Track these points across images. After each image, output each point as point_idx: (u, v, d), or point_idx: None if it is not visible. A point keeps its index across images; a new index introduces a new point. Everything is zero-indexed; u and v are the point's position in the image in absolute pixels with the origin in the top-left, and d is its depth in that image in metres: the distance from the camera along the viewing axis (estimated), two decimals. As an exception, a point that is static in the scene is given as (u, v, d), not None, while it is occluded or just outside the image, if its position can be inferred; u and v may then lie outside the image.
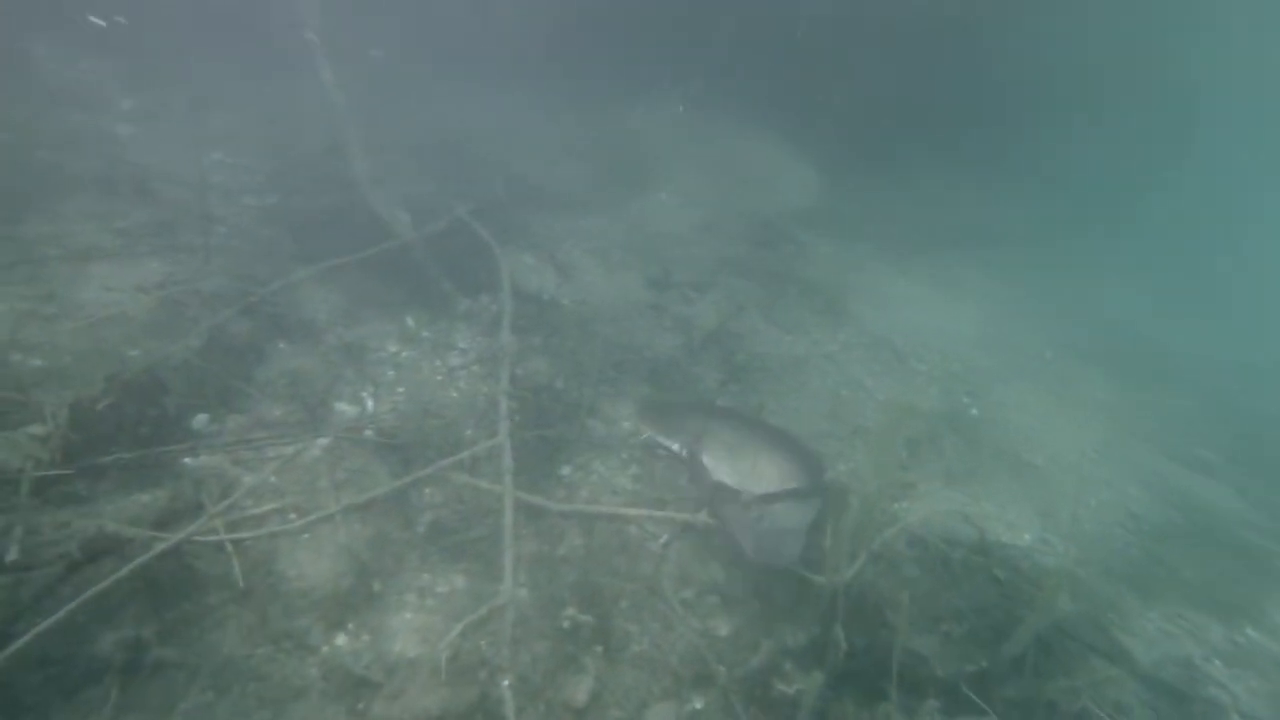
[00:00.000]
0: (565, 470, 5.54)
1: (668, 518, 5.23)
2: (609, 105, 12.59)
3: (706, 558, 5.19)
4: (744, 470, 5.44)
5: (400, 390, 5.88)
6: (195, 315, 5.81)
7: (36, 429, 4.69)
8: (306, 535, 4.63)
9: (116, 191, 7.33)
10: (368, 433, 5.38)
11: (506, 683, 4.01)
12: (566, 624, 4.48)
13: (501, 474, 5.01)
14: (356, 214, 7.84)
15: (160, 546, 4.12)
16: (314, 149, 9.27)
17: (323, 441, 5.21)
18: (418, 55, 12.21)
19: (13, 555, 3.78)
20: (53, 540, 3.99)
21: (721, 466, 5.54)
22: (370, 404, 5.67)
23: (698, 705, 4.21)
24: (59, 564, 3.99)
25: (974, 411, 7.88)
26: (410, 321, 6.78)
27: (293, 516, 4.73)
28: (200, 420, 5.12)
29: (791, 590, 4.96)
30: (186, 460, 4.82)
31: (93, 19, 10.54)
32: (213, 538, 4.33)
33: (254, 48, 11.82)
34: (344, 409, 5.57)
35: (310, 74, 11.06)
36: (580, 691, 4.12)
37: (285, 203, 7.93)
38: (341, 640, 4.15)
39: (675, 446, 5.73)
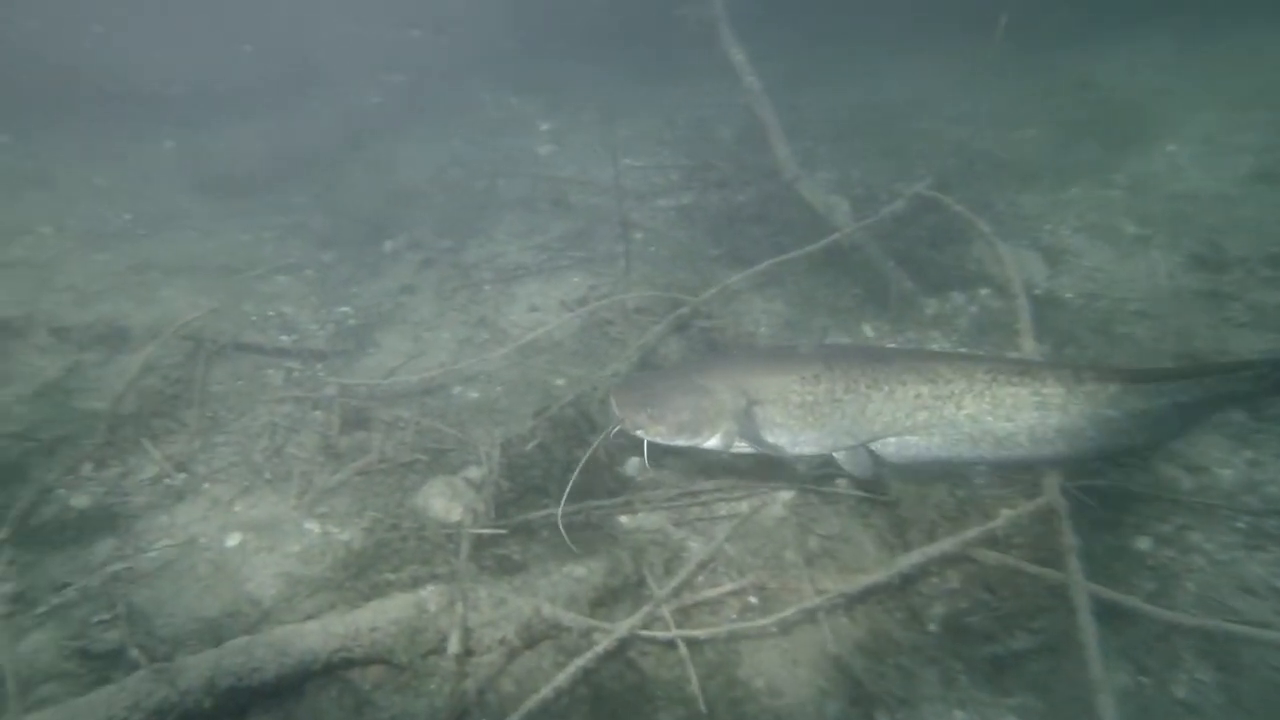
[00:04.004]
0: (1143, 544, 3.59)
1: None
2: (1061, 49, 9.99)
3: None
4: (848, 422, 3.55)
5: (872, 423, 4.40)
6: (621, 334, 4.98)
7: (473, 472, 4.10)
8: (775, 630, 3.35)
9: (537, 208, 7.05)
10: (840, 482, 3.99)
11: None
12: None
13: (1062, 553, 3.25)
14: (784, 206, 6.63)
15: (603, 643, 3.10)
16: (726, 141, 8.38)
17: (786, 495, 3.94)
18: (829, 26, 10.92)
19: (454, 648, 3.02)
20: (491, 621, 3.19)
21: (808, 436, 3.58)
22: (837, 443, 4.27)
23: None
24: (497, 651, 3.18)
25: None
26: (869, 330, 5.32)
27: (753, 600, 3.50)
28: (633, 465, 4.16)
29: None
30: (622, 519, 3.85)
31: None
32: (663, 634, 3.23)
33: (654, 56, 11.56)
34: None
35: (711, 73, 10.44)
36: None
37: (701, 200, 7.04)
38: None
39: (715, 442, 3.58)
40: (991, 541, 3.48)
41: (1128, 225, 6.37)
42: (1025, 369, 3.52)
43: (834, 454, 3.72)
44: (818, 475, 4.00)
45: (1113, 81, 9.11)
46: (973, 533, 3.38)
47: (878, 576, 3.27)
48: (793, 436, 3.63)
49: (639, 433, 3.61)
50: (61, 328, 5.47)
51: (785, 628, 3.35)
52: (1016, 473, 3.90)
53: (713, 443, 3.59)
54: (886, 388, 3.54)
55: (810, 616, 3.32)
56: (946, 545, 3.35)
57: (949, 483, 3.87)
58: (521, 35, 12.83)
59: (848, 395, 3.55)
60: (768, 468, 4.09)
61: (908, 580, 3.40)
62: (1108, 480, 3.75)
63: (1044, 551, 3.41)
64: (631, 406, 3.61)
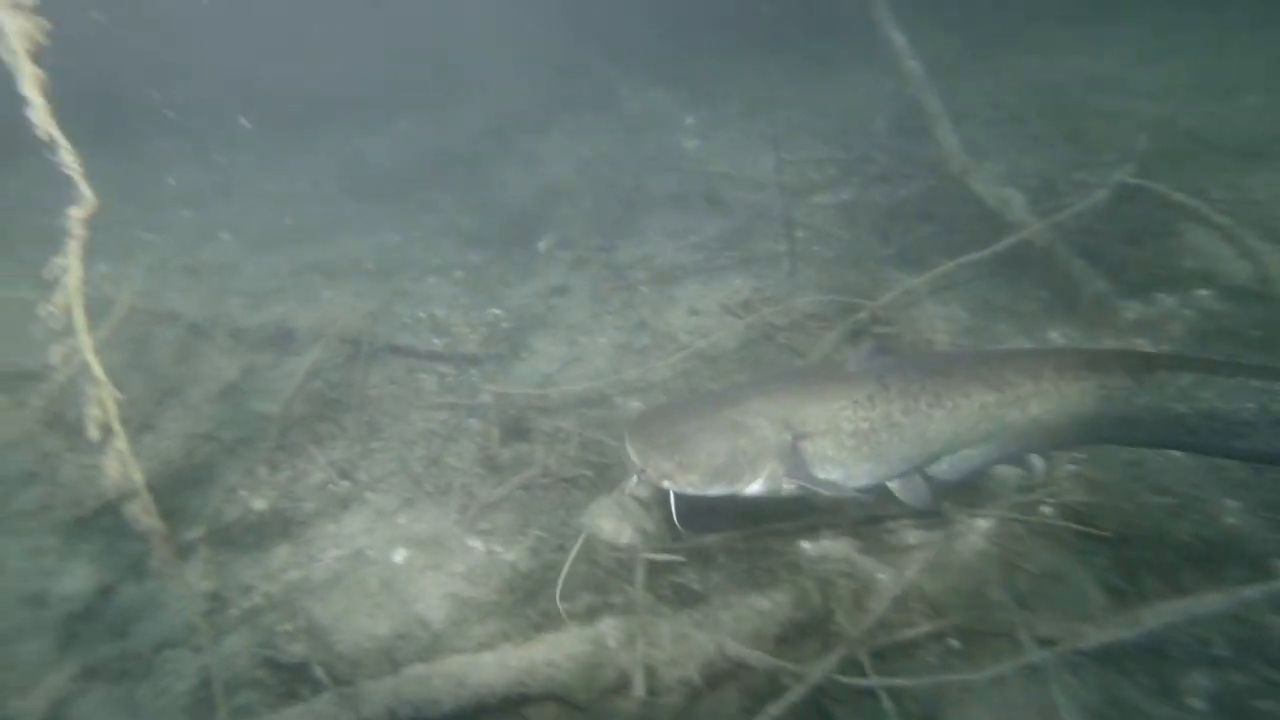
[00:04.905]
0: None
1: None
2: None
3: None
4: (907, 448, 3.13)
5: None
6: (789, 340, 4.66)
7: (642, 490, 3.88)
8: (983, 683, 2.96)
9: (690, 205, 6.82)
10: (1044, 509, 3.55)
11: None
12: None
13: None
14: (952, 201, 6.13)
15: (798, 691, 2.82)
16: (882, 132, 7.88)
17: (983, 524, 3.52)
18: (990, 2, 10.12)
19: (639, 690, 2.83)
20: (673, 659, 2.97)
21: (864, 469, 3.15)
22: (1039, 464, 3.81)
23: None
24: (679, 692, 2.96)
25: None
26: (1056, 337, 4.79)
27: (954, 644, 3.13)
28: (811, 484, 3.83)
29: None
30: (804, 544, 3.55)
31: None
32: (864, 682, 2.91)
33: (797, 46, 11.10)
34: (1002, 471, 3.81)
35: (857, 61, 9.89)
36: None
37: (862, 196, 6.62)
38: None
39: (758, 488, 3.09)
40: (1273, 601, 2.93)
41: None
42: (1093, 360, 3.08)
43: (887, 483, 3.29)
44: (1014, 501, 3.57)
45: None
46: (1252, 590, 2.85)
47: (1122, 632, 2.81)
48: (847, 471, 3.18)
49: (665, 484, 3.10)
50: (238, 329, 5.70)
51: (997, 682, 2.96)
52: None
53: (755, 488, 3.12)
54: (950, 403, 3.10)
55: (1031, 672, 2.91)
56: (1217, 602, 2.83)
57: (1191, 519, 3.36)
58: (658, 27, 12.63)
59: (906, 417, 3.10)
60: (960, 492, 3.69)
61: (1155, 639, 2.93)
62: None
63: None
64: (655, 452, 3.08)
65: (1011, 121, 7.85)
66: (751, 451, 3.05)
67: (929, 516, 3.55)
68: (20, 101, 1.98)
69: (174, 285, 6.53)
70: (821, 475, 3.16)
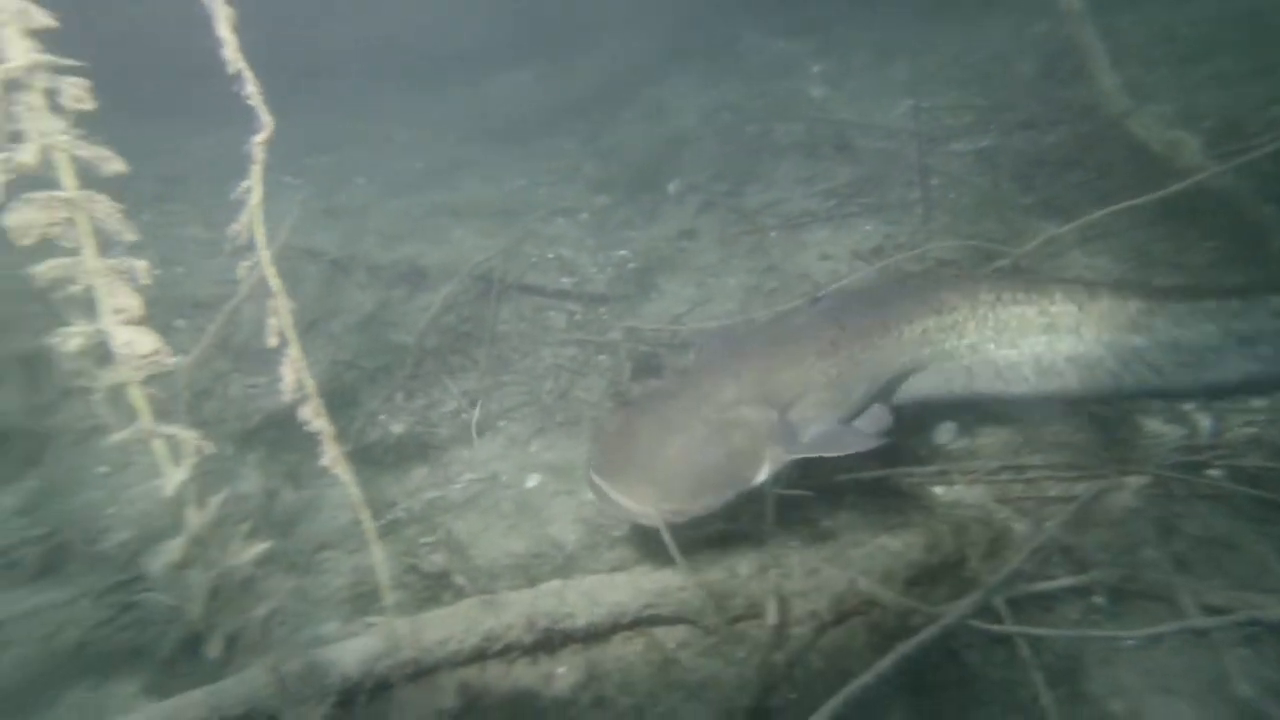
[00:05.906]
0: None
1: None
2: None
3: None
4: (866, 384, 3.04)
5: (1246, 403, 3.62)
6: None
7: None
8: (1132, 644, 2.83)
9: (819, 153, 6.65)
10: (1211, 471, 3.31)
11: None
12: None
13: None
14: (1104, 147, 5.70)
15: (931, 630, 2.76)
16: (1027, 76, 7.37)
17: (1136, 481, 3.33)
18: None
19: (772, 618, 2.85)
20: (803, 591, 2.97)
21: (838, 414, 3.01)
22: (1206, 423, 3.56)
23: None
24: (808, 624, 2.96)
25: None
26: (1228, 293, 4.42)
27: (1098, 600, 3.01)
28: (946, 431, 3.72)
29: None
30: (937, 490, 3.46)
31: None
32: (1001, 628, 2.83)
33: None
34: (1160, 429, 3.59)
35: (998, 4, 9.25)
36: None
37: (1003, 143, 6.25)
38: None
39: (763, 477, 2.83)
40: None
41: None
42: (1032, 285, 2.97)
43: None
44: (1183, 462, 3.35)
45: None
46: None
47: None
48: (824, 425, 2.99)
49: (674, 519, 2.64)
50: (374, 266, 5.97)
51: (1151, 644, 2.82)
52: None
53: (761, 478, 2.81)
54: (895, 331, 3.00)
55: (1197, 639, 2.75)
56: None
57: None
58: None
59: (866, 354, 2.97)
60: (1113, 445, 3.50)
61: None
62: None
63: None
64: (633, 482, 2.64)
65: (1188, 59, 7.11)
66: (748, 446, 2.75)
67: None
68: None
69: (316, 225, 6.88)
70: (808, 437, 2.96)
